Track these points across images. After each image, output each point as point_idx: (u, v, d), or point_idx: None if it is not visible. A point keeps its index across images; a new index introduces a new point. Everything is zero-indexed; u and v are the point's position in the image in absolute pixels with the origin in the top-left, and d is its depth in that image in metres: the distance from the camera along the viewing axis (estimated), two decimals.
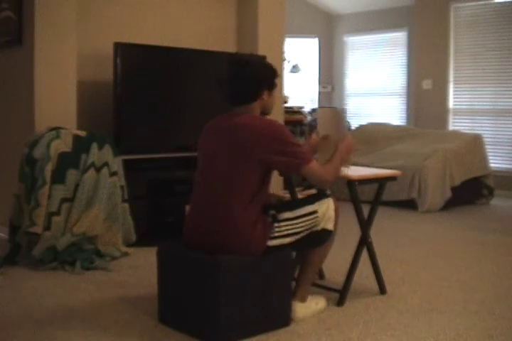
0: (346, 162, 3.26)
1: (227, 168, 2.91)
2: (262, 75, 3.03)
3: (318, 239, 3.13)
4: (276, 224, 2.93)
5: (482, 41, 7.93)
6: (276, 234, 2.93)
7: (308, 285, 3.22)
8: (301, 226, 3.01)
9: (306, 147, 3.28)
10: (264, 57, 3.18)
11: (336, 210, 3.18)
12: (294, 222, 2.99)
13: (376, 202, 3.53)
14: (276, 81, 3.11)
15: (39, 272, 3.91)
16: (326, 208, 3.10)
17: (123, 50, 4.70)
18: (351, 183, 3.30)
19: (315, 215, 3.04)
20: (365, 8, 9.67)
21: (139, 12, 5.30)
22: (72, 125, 4.60)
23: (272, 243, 2.91)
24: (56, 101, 4.57)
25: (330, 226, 3.13)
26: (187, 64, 5.15)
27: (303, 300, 3.16)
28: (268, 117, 3.09)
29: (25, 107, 4.59)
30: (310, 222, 3.03)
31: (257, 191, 2.90)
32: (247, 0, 5.95)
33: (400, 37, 9.47)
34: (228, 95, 3.04)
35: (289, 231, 2.97)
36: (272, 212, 2.96)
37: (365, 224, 3.47)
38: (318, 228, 3.08)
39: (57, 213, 4.07)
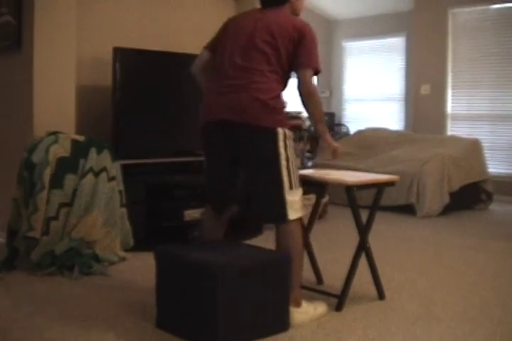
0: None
1: (263, 42, 3.21)
2: None
3: (277, 212, 3.14)
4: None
5: (480, 46, 7.95)
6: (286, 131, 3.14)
7: (296, 287, 3.18)
8: (288, 164, 3.11)
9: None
10: None
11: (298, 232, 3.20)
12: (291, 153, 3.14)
13: (374, 208, 3.53)
14: None
15: (37, 277, 3.90)
16: (299, 199, 3.17)
17: (122, 54, 4.71)
18: (349, 189, 3.30)
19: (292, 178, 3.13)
20: (363, 13, 9.68)
21: (138, 17, 5.31)
22: (71, 129, 4.59)
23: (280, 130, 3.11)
24: (55, 105, 4.57)
25: (291, 215, 3.12)
26: (186, 69, 5.15)
27: (297, 304, 3.15)
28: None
29: (24, 112, 4.59)
30: (291, 173, 3.12)
31: (283, 71, 3.24)
32: (244, 3, 5.95)
33: (398, 42, 9.48)
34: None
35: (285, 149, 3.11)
36: None
37: (363, 230, 3.47)
38: (285, 200, 3.11)
39: (56, 218, 4.06)
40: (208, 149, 3.40)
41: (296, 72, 3.26)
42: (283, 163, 3.09)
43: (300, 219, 3.21)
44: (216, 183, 3.42)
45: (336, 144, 3.39)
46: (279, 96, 3.22)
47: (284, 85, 3.31)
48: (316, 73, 3.28)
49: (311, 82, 3.25)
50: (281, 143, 3.08)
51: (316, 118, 3.31)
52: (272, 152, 3.09)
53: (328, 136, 3.35)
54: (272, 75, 3.19)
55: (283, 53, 3.20)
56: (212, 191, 3.47)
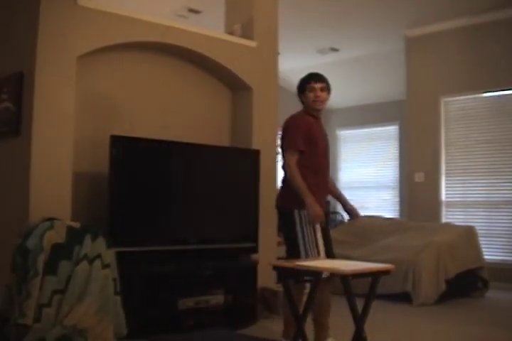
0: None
1: None
2: (296, 86, 4.49)
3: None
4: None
5: (472, 134, 8.10)
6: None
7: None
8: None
9: None
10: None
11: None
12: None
13: (370, 297, 3.51)
14: (310, 85, 4.37)
15: None
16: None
17: (119, 142, 4.77)
18: (345, 278, 3.29)
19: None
20: (357, 102, 9.90)
21: (137, 105, 5.41)
22: (67, 216, 4.60)
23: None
24: (51, 191, 4.58)
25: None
26: (183, 157, 5.22)
27: None
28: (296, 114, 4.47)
29: (20, 197, 4.60)
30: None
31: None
32: (242, 96, 6.11)
33: (391, 130, 9.65)
34: None
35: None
36: None
37: (359, 319, 3.43)
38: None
39: (48, 305, 4.01)
40: None
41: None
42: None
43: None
44: None
45: (317, 210, 4.07)
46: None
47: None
48: (297, 150, 4.23)
49: (286, 162, 4.28)
50: None
51: (296, 189, 4.13)
52: None
53: (308, 202, 4.08)
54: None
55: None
56: None
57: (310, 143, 4.28)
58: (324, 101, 4.44)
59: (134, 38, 5.20)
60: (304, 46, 9.27)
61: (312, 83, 4.38)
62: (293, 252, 4.14)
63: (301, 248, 4.09)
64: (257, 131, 5.97)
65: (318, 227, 4.14)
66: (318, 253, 4.09)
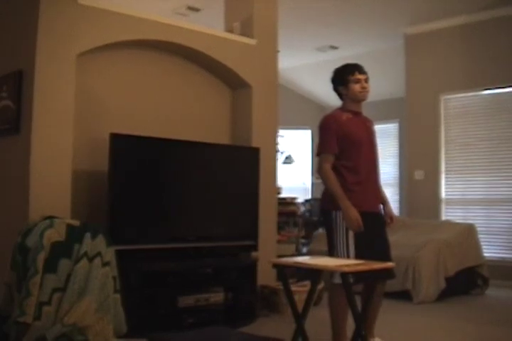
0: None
1: None
2: (333, 79, 4.42)
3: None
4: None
5: (472, 131, 8.08)
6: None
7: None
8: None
9: None
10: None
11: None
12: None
13: (370, 295, 3.51)
14: (355, 76, 4.29)
15: None
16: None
17: (119, 140, 4.77)
18: (344, 276, 3.29)
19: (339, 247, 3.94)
20: None
21: (137, 103, 5.41)
22: (66, 214, 4.60)
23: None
24: (51, 189, 4.58)
25: (335, 280, 3.74)
26: (182, 155, 5.21)
27: None
28: (337, 110, 4.44)
29: (20, 195, 4.61)
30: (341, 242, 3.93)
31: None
32: (241, 94, 6.11)
33: (391, 128, 9.64)
34: None
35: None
36: None
37: (359, 317, 3.44)
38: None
39: (48, 303, 4.01)
40: None
41: None
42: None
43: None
44: None
45: (352, 214, 3.89)
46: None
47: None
48: (331, 154, 4.06)
49: (319, 166, 4.09)
50: None
51: (332, 193, 3.99)
52: None
53: (343, 206, 3.92)
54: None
55: None
56: None
57: (345, 142, 4.12)
58: (368, 92, 4.36)
59: (134, 36, 5.20)
60: (303, 44, 9.26)
61: (357, 74, 4.29)
62: (332, 253, 4.01)
63: (337, 249, 3.95)
64: (256, 129, 5.97)
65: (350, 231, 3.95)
66: (348, 256, 3.89)
